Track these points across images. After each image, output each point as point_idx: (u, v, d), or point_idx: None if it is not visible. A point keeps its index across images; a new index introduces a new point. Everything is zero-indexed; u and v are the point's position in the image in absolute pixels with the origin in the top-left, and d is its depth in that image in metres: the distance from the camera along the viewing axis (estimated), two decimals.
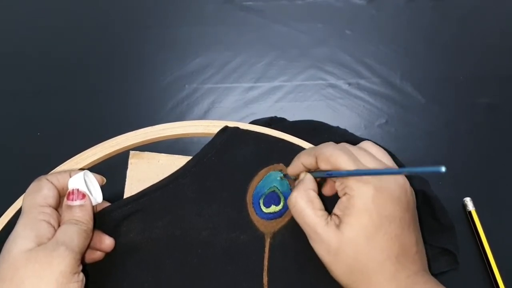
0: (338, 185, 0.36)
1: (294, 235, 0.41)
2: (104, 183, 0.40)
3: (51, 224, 0.35)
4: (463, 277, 0.47)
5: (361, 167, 0.35)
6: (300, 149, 0.46)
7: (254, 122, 0.53)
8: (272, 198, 0.43)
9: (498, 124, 0.58)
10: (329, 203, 0.38)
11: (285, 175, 0.43)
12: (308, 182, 0.38)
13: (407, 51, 0.64)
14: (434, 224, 0.48)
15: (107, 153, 0.48)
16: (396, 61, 0.63)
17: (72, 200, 0.36)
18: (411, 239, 0.35)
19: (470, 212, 0.51)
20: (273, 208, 0.42)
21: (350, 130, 0.55)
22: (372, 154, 0.37)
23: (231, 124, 0.47)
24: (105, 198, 0.41)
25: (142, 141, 0.49)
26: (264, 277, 0.40)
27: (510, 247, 0.49)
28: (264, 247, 0.41)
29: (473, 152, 0.56)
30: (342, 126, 0.55)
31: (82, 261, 0.35)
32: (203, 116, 0.58)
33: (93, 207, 0.38)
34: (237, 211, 0.42)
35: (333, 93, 0.61)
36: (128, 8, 0.68)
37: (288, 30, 0.66)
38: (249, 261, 0.40)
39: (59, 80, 0.61)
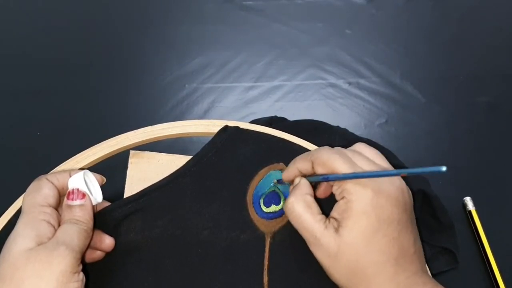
0: (335, 189, 0.36)
1: (294, 234, 0.40)
2: (104, 182, 0.40)
3: (51, 224, 0.35)
4: (463, 277, 0.47)
5: (357, 170, 0.35)
6: (300, 148, 0.46)
7: (254, 122, 0.53)
8: (273, 197, 0.43)
9: (498, 123, 0.58)
10: (325, 205, 0.38)
11: (279, 181, 0.42)
12: (304, 187, 0.38)
13: (407, 51, 0.64)
14: (434, 223, 0.48)
15: (107, 152, 0.47)
16: (396, 60, 0.63)
17: (72, 199, 0.36)
18: (409, 240, 0.35)
19: (470, 212, 0.51)
20: (273, 208, 0.42)
21: (350, 130, 0.55)
22: (366, 156, 0.37)
23: (231, 123, 0.47)
24: (105, 197, 0.41)
25: (142, 141, 0.48)
26: (264, 276, 0.40)
27: (510, 246, 0.49)
28: (264, 246, 0.41)
29: (473, 152, 0.56)
30: (342, 126, 0.55)
31: (82, 260, 0.35)
32: (203, 116, 0.58)
33: (93, 206, 0.38)
34: (237, 211, 0.42)
35: (333, 93, 0.61)
36: (128, 8, 0.68)
37: (288, 30, 0.66)
38: (249, 261, 0.40)
39: (59, 80, 0.61)
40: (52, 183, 0.37)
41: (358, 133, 0.55)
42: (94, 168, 0.48)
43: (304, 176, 0.39)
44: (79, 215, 0.36)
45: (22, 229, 0.34)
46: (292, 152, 0.43)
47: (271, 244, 0.41)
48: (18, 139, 0.56)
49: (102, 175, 0.41)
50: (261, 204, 0.43)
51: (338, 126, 0.55)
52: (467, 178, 0.54)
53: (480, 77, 0.61)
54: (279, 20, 0.66)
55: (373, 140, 0.53)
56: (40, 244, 0.33)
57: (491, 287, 0.47)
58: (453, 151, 0.56)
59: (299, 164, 0.39)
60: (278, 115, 0.57)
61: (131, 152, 0.48)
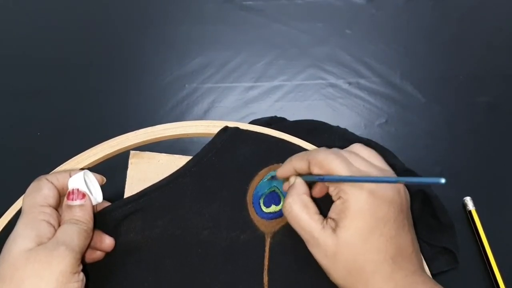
0: (332, 189, 0.36)
1: (294, 234, 0.41)
2: (104, 182, 0.40)
3: (51, 224, 0.35)
4: (463, 277, 0.47)
5: (354, 171, 0.35)
6: (300, 149, 0.46)
7: (254, 122, 0.53)
8: (272, 198, 0.43)
9: (498, 123, 0.58)
10: (323, 205, 0.38)
11: (273, 177, 0.42)
12: (300, 187, 0.38)
13: (407, 51, 0.64)
14: (434, 223, 0.48)
15: (107, 153, 0.48)
16: (396, 60, 0.63)
17: (72, 200, 0.36)
18: (407, 240, 0.35)
19: (470, 212, 0.51)
20: (273, 208, 0.42)
21: (350, 130, 0.55)
22: (363, 157, 0.37)
23: (232, 124, 0.47)
24: (105, 197, 0.41)
25: (143, 141, 0.48)
26: (264, 276, 0.40)
27: (510, 246, 0.49)
28: (264, 246, 0.41)
29: (473, 152, 0.56)
30: (342, 126, 0.55)
31: (82, 260, 0.35)
32: (203, 116, 0.58)
33: (93, 206, 0.38)
34: (237, 211, 0.42)
35: (333, 93, 0.61)
36: (128, 8, 0.68)
37: (288, 30, 0.66)
38: (249, 261, 0.40)
39: (59, 80, 0.61)
40: (52, 183, 0.37)
41: (358, 133, 0.55)
42: (95, 168, 0.48)
43: (300, 175, 0.39)
44: (79, 215, 0.36)
45: (22, 229, 0.34)
46: (291, 152, 0.43)
47: (271, 244, 0.41)
48: (18, 139, 0.56)
49: (103, 175, 0.41)
50: (261, 204, 0.43)
51: (338, 126, 0.55)
52: (467, 178, 0.54)
53: (480, 77, 0.61)
54: (279, 20, 0.66)
55: (373, 140, 0.53)
56: (40, 244, 0.33)
57: (491, 287, 0.47)
58: (453, 151, 0.56)
59: (295, 163, 0.39)
60: (278, 115, 0.57)
61: (131, 152, 0.48)
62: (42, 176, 0.38)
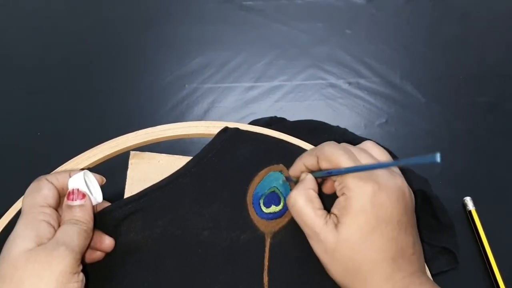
0: (336, 184, 0.36)
1: (294, 235, 0.41)
2: (104, 183, 0.40)
3: (51, 224, 0.35)
4: (463, 277, 0.47)
5: None
6: (299, 149, 0.46)
7: (254, 122, 0.53)
8: (272, 198, 0.43)
9: (498, 123, 0.58)
10: (329, 202, 0.38)
11: (288, 178, 0.43)
12: (308, 182, 0.38)
13: (407, 51, 0.64)
14: (434, 223, 0.48)
15: (107, 154, 0.48)
16: (396, 60, 0.63)
17: (72, 200, 0.36)
18: (408, 241, 0.35)
19: (470, 212, 0.51)
20: (273, 208, 0.42)
21: (350, 130, 0.55)
22: (372, 155, 0.37)
23: (232, 125, 0.47)
24: (105, 198, 0.41)
25: (143, 142, 0.48)
26: (264, 276, 0.40)
27: (510, 246, 0.49)
28: (264, 246, 0.41)
29: (473, 152, 0.56)
30: (342, 126, 0.55)
31: (82, 261, 0.35)
32: (203, 116, 0.58)
33: (93, 207, 0.38)
34: (238, 211, 0.42)
35: (333, 93, 0.61)
36: (128, 8, 0.68)
37: (288, 30, 0.66)
38: (249, 261, 0.40)
39: (59, 80, 0.61)
40: (52, 183, 0.37)
41: (358, 133, 0.55)
42: (95, 168, 0.48)
43: (311, 172, 0.39)
44: (79, 215, 0.36)
45: (22, 230, 0.34)
46: (291, 153, 0.43)
47: (271, 244, 0.41)
48: (18, 139, 0.56)
49: (103, 175, 0.41)
50: (261, 204, 0.43)
51: (338, 126, 0.55)
52: (467, 178, 0.54)
53: (480, 77, 0.61)
54: (279, 20, 0.66)
55: (374, 140, 0.53)
56: (40, 244, 0.33)
57: (491, 287, 0.47)
58: (453, 151, 0.56)
59: (305, 159, 0.39)
60: (278, 115, 0.57)
61: (132, 153, 0.48)
62: (42, 176, 0.38)
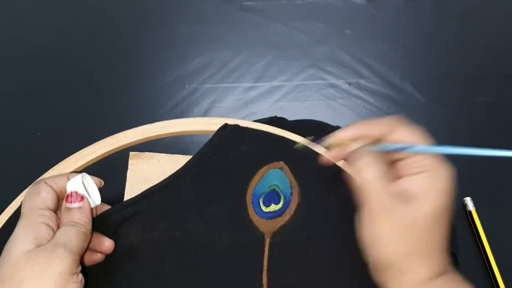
0: (413, 160, 0.35)
1: (294, 234, 0.41)
2: (102, 185, 0.41)
3: (50, 226, 0.35)
4: (463, 277, 0.47)
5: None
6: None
7: None
8: (272, 196, 0.43)
9: (498, 123, 0.58)
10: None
11: (316, 139, 0.40)
12: (374, 155, 0.36)
13: (407, 51, 0.64)
14: None
15: (106, 151, 0.47)
16: (396, 60, 0.63)
17: (71, 202, 0.37)
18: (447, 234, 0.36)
19: (470, 212, 0.51)
20: (273, 207, 0.42)
21: None
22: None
23: (231, 121, 0.47)
24: (105, 199, 0.41)
25: (141, 139, 0.48)
26: (263, 277, 0.40)
27: (510, 247, 0.49)
28: (264, 247, 0.41)
29: None
30: (342, 126, 0.55)
31: (82, 262, 0.35)
32: (203, 116, 0.58)
33: (91, 209, 0.38)
34: (237, 211, 0.42)
35: (333, 93, 0.61)
36: (127, 8, 0.68)
37: (288, 30, 0.66)
38: (249, 262, 0.40)
39: (59, 80, 0.61)
40: (50, 186, 0.37)
41: None
42: (94, 168, 0.49)
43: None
44: (78, 218, 0.36)
45: (22, 232, 0.34)
46: (292, 150, 0.43)
47: (270, 244, 0.41)
48: (18, 139, 0.56)
49: (102, 176, 0.41)
50: (261, 203, 0.43)
51: (338, 127, 0.55)
52: (467, 178, 0.53)
53: (480, 77, 0.61)
54: (279, 20, 0.66)
55: None
56: (39, 246, 0.33)
57: (491, 287, 0.47)
58: None
59: (372, 127, 0.37)
60: (278, 116, 0.57)
61: (131, 153, 0.48)
62: (41, 179, 0.38)
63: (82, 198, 0.37)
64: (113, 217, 0.41)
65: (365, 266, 0.36)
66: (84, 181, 0.38)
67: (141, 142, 0.49)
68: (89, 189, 0.39)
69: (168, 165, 0.46)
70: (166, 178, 0.44)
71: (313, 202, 0.42)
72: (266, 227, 0.42)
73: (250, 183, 0.44)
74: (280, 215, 0.42)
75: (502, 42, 0.65)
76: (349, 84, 0.61)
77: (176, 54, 0.63)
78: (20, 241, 0.33)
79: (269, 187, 0.43)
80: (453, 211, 0.36)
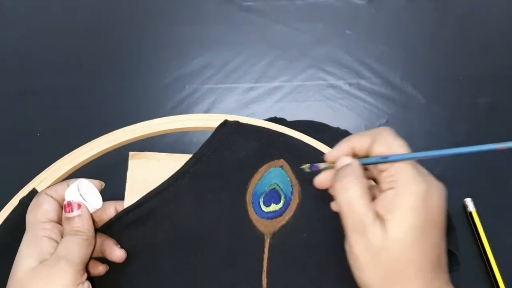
0: (384, 176, 0.33)
1: (294, 234, 0.40)
2: (102, 187, 0.41)
3: (52, 239, 0.36)
4: (464, 278, 0.47)
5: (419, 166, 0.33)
6: (301, 144, 0.45)
7: None
8: (273, 196, 0.43)
9: (499, 123, 0.58)
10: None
11: (312, 166, 0.38)
12: (358, 169, 0.34)
13: (407, 51, 0.64)
14: None
15: (105, 148, 0.47)
16: (397, 61, 0.63)
17: (69, 212, 0.37)
18: (444, 248, 0.33)
19: (470, 213, 0.51)
20: (273, 207, 0.42)
21: (351, 131, 0.55)
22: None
23: (231, 118, 0.47)
24: (106, 199, 0.41)
25: (140, 136, 0.48)
26: (263, 278, 0.39)
27: (510, 247, 0.49)
28: (263, 247, 0.41)
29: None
30: (342, 127, 0.55)
31: (88, 270, 0.36)
32: None
33: (90, 214, 0.38)
34: (237, 212, 0.42)
35: (333, 93, 0.61)
36: (127, 8, 0.68)
37: (288, 30, 0.66)
38: (249, 262, 0.40)
39: (59, 80, 0.61)
40: (51, 197, 0.38)
41: None
42: (94, 169, 0.48)
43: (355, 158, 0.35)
44: (78, 226, 0.37)
45: (25, 249, 0.35)
46: (293, 147, 0.43)
47: (270, 245, 0.41)
48: (18, 139, 0.56)
49: (102, 176, 0.41)
50: (261, 203, 0.42)
51: (338, 128, 0.55)
52: (468, 180, 0.54)
53: (480, 78, 0.61)
54: (279, 20, 0.66)
55: None
56: (42, 261, 0.34)
57: (491, 287, 0.47)
58: None
59: (355, 141, 0.35)
60: (278, 116, 0.56)
61: (130, 153, 0.48)
62: (42, 191, 0.39)
63: (79, 205, 0.37)
64: (115, 226, 0.41)
65: None
66: (81, 187, 0.39)
67: (140, 139, 0.48)
68: (88, 194, 0.39)
69: (167, 164, 0.46)
70: (166, 181, 0.44)
71: (314, 201, 0.42)
72: (266, 228, 0.41)
73: (250, 182, 0.43)
74: (280, 215, 0.42)
75: (502, 42, 0.65)
76: (350, 84, 0.61)
77: (176, 54, 0.63)
78: (24, 258, 0.34)
79: (270, 186, 0.43)
80: (445, 225, 0.33)
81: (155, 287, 0.40)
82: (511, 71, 0.62)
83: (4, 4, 0.68)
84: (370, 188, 0.34)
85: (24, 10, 0.67)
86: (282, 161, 0.44)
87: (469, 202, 0.51)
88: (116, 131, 0.48)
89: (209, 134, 0.48)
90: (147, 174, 0.46)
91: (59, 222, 0.37)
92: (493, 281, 0.47)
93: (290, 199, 0.42)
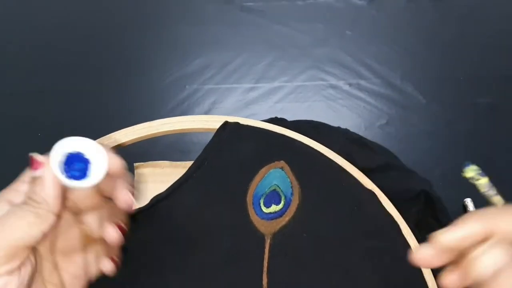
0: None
1: (294, 235, 0.40)
2: (118, 168, 0.30)
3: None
4: None
5: None
6: (302, 145, 0.45)
7: None
8: (273, 197, 0.43)
9: (499, 124, 0.58)
10: None
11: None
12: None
13: (407, 52, 0.64)
14: (435, 225, 0.48)
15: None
16: (397, 61, 0.63)
17: (35, 169, 0.28)
18: None
19: None
20: (274, 208, 0.42)
21: (351, 131, 0.55)
22: None
23: (231, 119, 0.47)
24: None
25: (140, 137, 0.48)
26: (263, 278, 0.39)
27: None
28: (264, 248, 0.41)
29: (473, 152, 0.56)
30: (342, 127, 0.55)
31: (86, 268, 0.34)
32: None
33: (59, 184, 0.28)
34: (238, 213, 0.42)
35: (333, 94, 0.61)
36: (128, 9, 0.68)
37: (288, 31, 0.66)
38: (249, 263, 0.40)
39: (59, 80, 0.61)
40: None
41: (358, 134, 0.55)
42: None
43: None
44: (32, 192, 0.27)
45: None
46: (293, 148, 0.43)
47: (270, 245, 0.41)
48: (18, 139, 0.56)
49: None
50: (261, 204, 0.43)
51: (339, 127, 0.55)
52: (468, 180, 0.54)
53: (480, 78, 0.61)
54: (280, 21, 0.66)
55: (374, 141, 0.53)
56: None
57: None
58: (453, 151, 0.56)
59: (496, 220, 0.26)
60: (279, 116, 0.56)
61: (135, 164, 0.48)
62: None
63: (41, 164, 0.27)
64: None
65: (366, 266, 0.35)
66: (77, 147, 0.28)
67: (140, 140, 0.48)
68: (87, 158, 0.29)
69: (171, 172, 0.46)
70: (170, 186, 0.44)
71: (314, 202, 0.42)
72: (267, 228, 0.41)
73: (251, 184, 0.43)
74: (280, 216, 0.42)
75: (502, 42, 0.65)
76: (350, 85, 0.61)
77: (177, 55, 0.63)
78: None
79: (270, 187, 0.43)
80: None
81: (155, 287, 0.40)
82: (511, 71, 0.62)
83: (4, 4, 0.68)
84: None
85: (25, 10, 0.67)
86: (282, 163, 0.44)
87: (469, 202, 0.51)
88: (116, 132, 0.48)
89: (210, 134, 0.48)
90: (152, 183, 0.47)
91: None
92: None
93: (290, 200, 0.42)
